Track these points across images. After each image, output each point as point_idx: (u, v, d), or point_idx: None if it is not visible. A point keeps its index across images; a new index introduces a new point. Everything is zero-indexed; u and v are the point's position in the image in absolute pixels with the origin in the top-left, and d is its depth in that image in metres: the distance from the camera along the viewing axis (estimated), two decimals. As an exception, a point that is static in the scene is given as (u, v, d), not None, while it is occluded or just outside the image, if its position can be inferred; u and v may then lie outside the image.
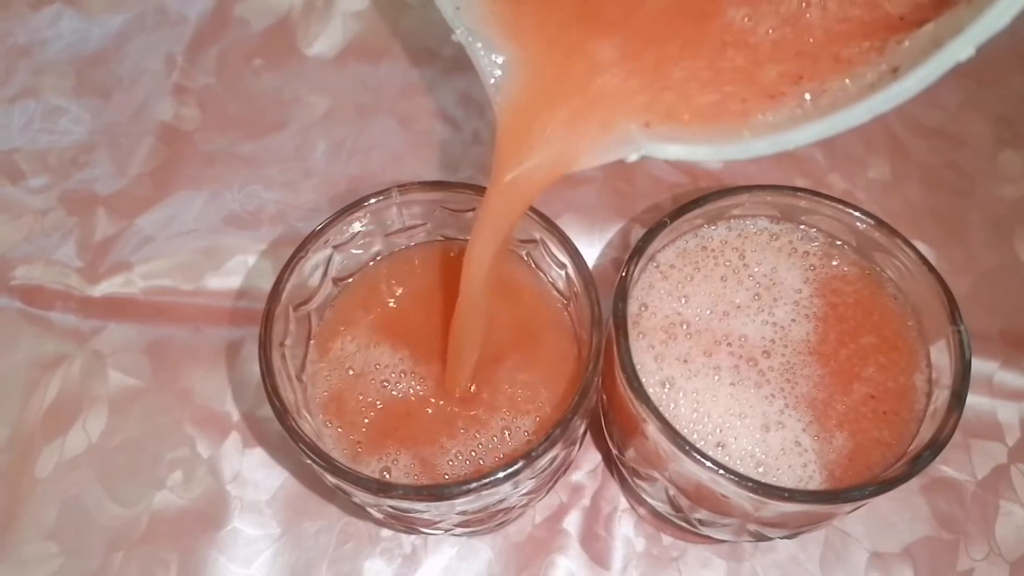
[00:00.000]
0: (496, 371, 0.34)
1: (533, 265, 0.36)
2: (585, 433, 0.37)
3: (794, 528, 0.33)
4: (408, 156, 0.57)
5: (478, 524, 0.35)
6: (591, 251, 0.53)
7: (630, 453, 0.36)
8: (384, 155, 0.57)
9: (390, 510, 0.32)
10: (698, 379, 0.33)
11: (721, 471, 0.29)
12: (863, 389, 0.33)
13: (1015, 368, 0.49)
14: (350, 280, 0.36)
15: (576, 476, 0.48)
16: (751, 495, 0.29)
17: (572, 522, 0.47)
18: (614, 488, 0.47)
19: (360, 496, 0.32)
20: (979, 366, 0.49)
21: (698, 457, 0.30)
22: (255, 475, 0.47)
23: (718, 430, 0.32)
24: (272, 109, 0.59)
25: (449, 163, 0.56)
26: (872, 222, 0.35)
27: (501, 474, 0.30)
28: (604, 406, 0.37)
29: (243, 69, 0.60)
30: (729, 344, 0.34)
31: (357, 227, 0.35)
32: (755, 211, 0.36)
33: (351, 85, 0.60)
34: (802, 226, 0.36)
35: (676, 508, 0.36)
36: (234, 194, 0.55)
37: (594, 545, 0.46)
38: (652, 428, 0.31)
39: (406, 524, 0.34)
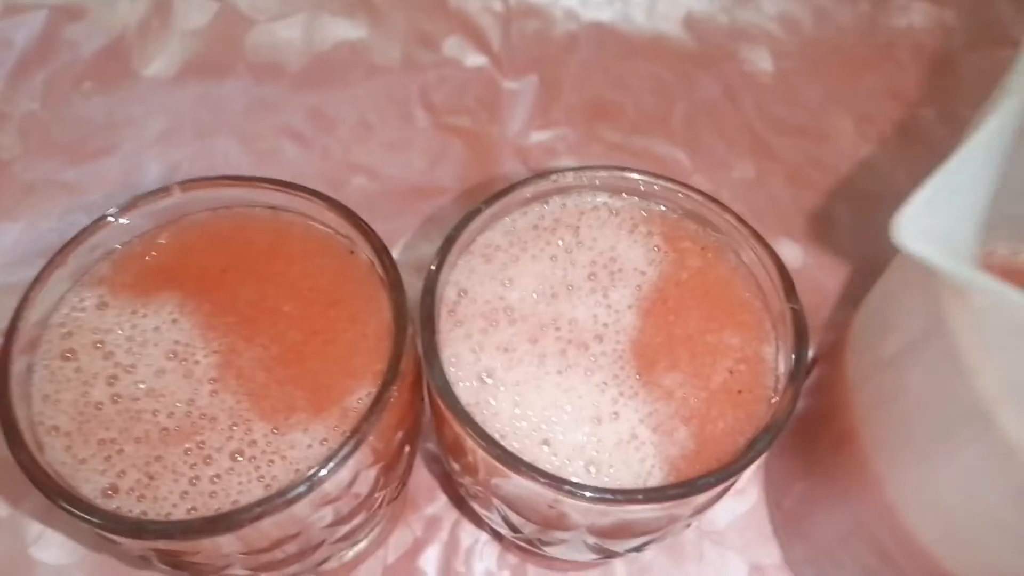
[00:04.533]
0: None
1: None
2: (408, 451, 0.33)
3: (638, 536, 0.30)
4: (252, 177, 0.53)
5: (285, 566, 0.30)
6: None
7: (457, 469, 0.32)
8: (226, 177, 0.53)
9: (158, 554, 0.27)
10: (520, 369, 0.29)
11: (524, 468, 0.26)
12: (709, 373, 0.30)
13: (888, 361, 0.47)
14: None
15: (432, 508, 0.43)
16: (568, 499, 0.26)
17: (429, 559, 0.42)
18: (474, 518, 0.43)
19: (123, 542, 0.27)
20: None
21: (500, 454, 0.26)
22: (62, 535, 0.41)
23: (543, 425, 0.28)
24: (101, 133, 0.54)
25: (297, 180, 0.53)
26: (700, 198, 0.32)
27: (279, 500, 0.25)
28: (434, 420, 0.33)
29: (71, 93, 0.56)
30: (557, 329, 0.30)
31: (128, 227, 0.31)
32: (593, 187, 0.34)
33: (190, 105, 0.56)
34: (645, 201, 0.34)
35: (512, 528, 0.32)
36: (52, 224, 0.50)
37: (453, 584, 0.41)
38: (458, 429, 0.27)
39: (194, 573, 0.30)
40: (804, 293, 0.30)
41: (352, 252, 0.32)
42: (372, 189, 0.53)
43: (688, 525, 0.33)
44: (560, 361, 0.30)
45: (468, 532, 0.43)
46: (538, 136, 0.55)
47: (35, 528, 0.41)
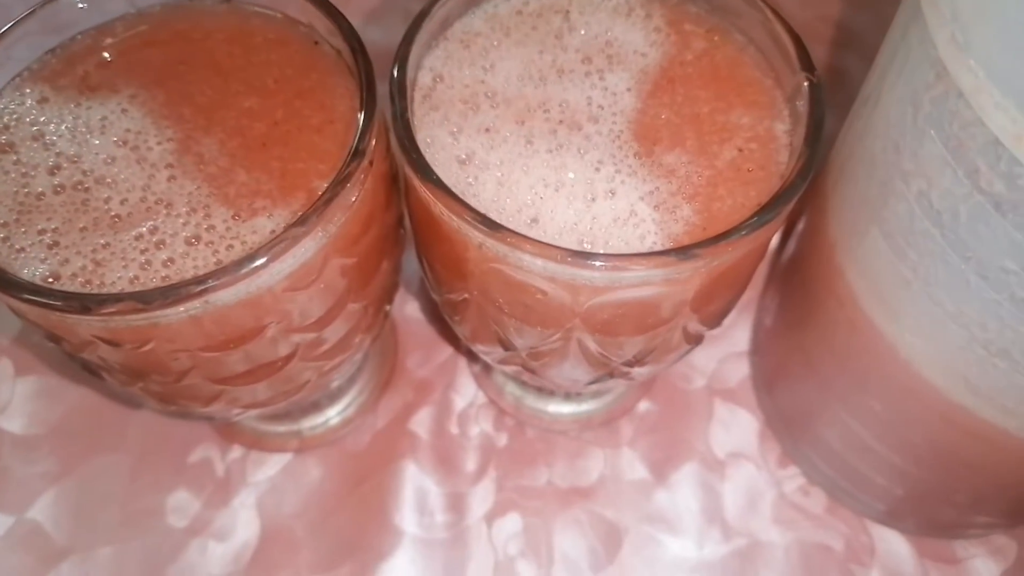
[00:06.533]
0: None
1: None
2: (385, 269, 0.30)
3: (636, 334, 0.27)
4: None
5: (253, 381, 0.28)
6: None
7: (441, 274, 0.29)
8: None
9: (106, 347, 0.24)
10: (504, 148, 0.27)
11: (510, 237, 0.23)
12: (716, 152, 0.27)
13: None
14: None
15: (423, 372, 0.41)
16: (558, 265, 0.23)
17: (421, 422, 0.39)
18: (468, 380, 0.40)
19: (67, 327, 0.24)
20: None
21: (479, 221, 0.23)
22: (30, 406, 0.39)
23: (529, 201, 0.26)
24: None
25: None
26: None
27: (236, 271, 0.23)
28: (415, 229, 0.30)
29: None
30: (546, 111, 0.28)
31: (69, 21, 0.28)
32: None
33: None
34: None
35: (506, 346, 0.29)
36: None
37: (447, 445, 0.39)
38: (437, 210, 0.25)
39: (150, 381, 0.27)
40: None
41: (316, 43, 0.29)
42: (353, 59, 0.50)
43: (694, 343, 0.30)
44: (550, 141, 0.27)
45: (462, 395, 0.40)
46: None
47: (1, 398, 0.39)
